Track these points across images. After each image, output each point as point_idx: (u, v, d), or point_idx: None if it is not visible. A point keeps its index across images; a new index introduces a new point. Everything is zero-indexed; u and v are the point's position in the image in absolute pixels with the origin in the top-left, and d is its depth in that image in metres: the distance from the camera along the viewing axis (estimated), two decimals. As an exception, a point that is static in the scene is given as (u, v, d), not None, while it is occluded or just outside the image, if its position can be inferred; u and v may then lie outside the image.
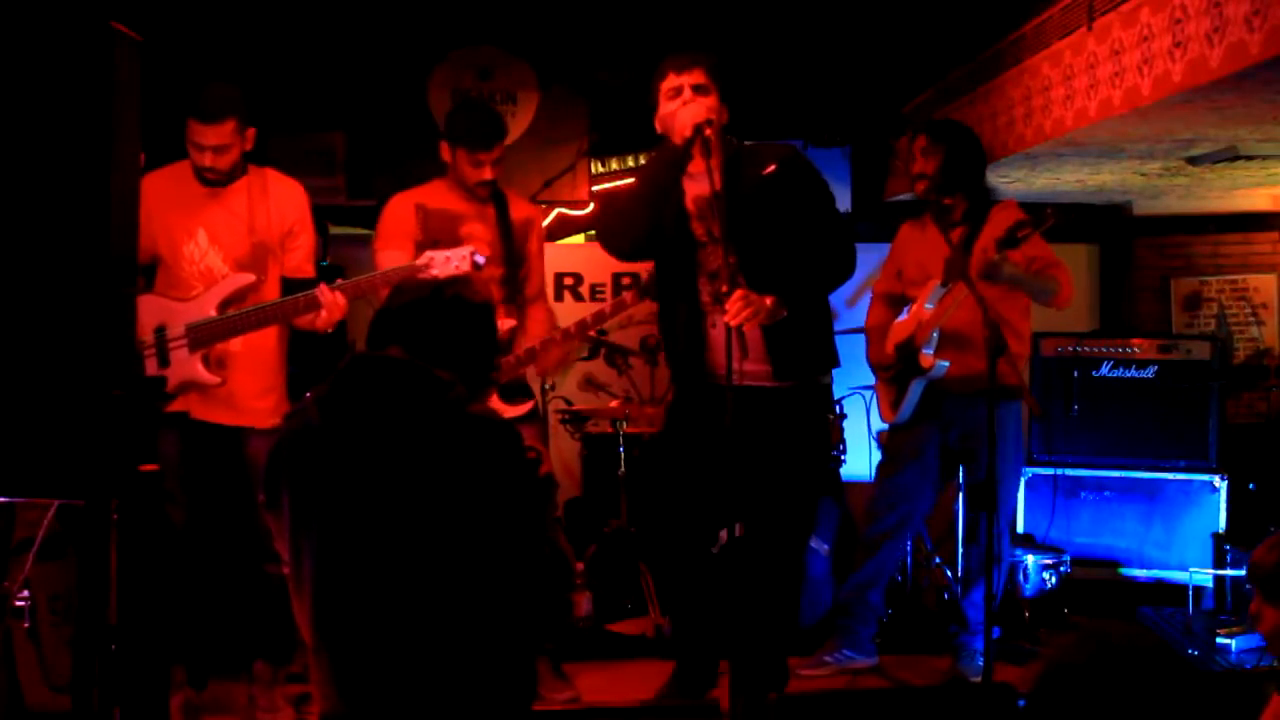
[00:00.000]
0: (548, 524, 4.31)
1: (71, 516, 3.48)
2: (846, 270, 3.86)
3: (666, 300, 3.93)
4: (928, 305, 4.42)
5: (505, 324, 4.11)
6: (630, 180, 3.87)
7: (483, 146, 4.13)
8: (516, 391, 4.21)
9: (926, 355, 4.39)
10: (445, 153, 4.20)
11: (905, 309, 4.64)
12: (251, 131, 3.94)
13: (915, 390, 4.46)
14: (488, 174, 4.15)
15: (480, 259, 3.76)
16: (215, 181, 3.93)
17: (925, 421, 4.55)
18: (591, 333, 4.22)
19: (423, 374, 2.45)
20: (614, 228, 3.89)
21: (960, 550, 4.89)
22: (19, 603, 3.71)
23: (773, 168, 3.74)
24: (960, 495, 4.96)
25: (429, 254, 3.76)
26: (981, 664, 4.34)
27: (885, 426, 4.80)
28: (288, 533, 2.44)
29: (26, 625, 3.78)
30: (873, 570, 4.65)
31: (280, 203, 4.01)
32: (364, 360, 2.50)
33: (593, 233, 6.63)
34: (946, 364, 4.38)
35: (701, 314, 3.77)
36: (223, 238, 3.94)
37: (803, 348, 3.80)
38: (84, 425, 2.29)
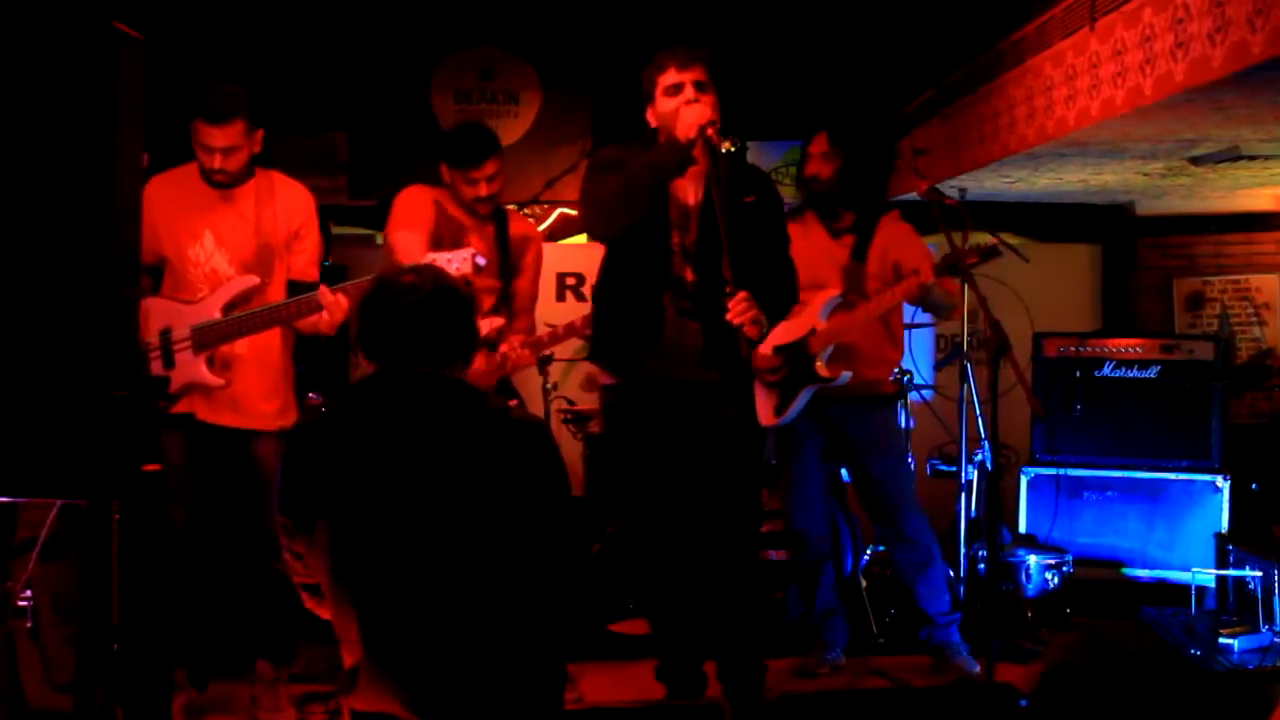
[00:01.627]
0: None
1: (73, 516, 3.49)
2: (790, 307, 3.90)
3: (617, 296, 3.79)
4: (822, 317, 4.39)
5: (494, 323, 4.12)
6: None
7: (472, 164, 4.13)
8: (500, 393, 4.22)
9: (823, 365, 4.38)
10: (445, 174, 4.22)
11: None
12: (259, 133, 3.93)
13: (806, 396, 4.43)
14: (483, 190, 4.15)
15: (481, 260, 3.76)
16: (223, 184, 3.92)
17: (810, 428, 4.53)
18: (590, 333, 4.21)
19: (460, 387, 2.53)
20: (610, 210, 3.67)
21: (959, 552, 4.90)
22: (21, 603, 3.72)
23: (752, 199, 3.72)
24: (961, 495, 4.97)
25: (430, 255, 3.77)
26: (966, 654, 4.43)
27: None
28: (328, 553, 2.45)
29: (29, 625, 3.78)
30: (830, 590, 4.66)
31: (287, 205, 4.00)
32: (396, 378, 2.52)
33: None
34: (849, 374, 4.38)
35: (661, 317, 3.68)
36: (229, 240, 3.93)
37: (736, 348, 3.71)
38: (86, 425, 2.29)
